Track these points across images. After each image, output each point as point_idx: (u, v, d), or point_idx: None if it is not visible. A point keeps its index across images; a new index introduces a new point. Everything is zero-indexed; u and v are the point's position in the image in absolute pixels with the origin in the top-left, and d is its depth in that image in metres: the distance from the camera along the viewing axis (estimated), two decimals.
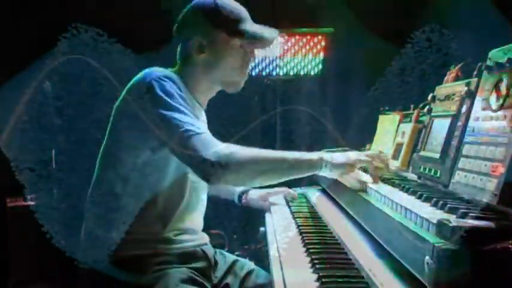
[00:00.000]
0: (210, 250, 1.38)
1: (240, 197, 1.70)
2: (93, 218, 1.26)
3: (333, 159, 1.20)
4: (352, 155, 1.25)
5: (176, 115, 1.11)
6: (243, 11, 1.32)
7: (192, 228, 1.35)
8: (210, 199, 1.44)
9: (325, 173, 1.21)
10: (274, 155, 1.18)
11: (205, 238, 1.41)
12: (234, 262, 1.44)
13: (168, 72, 1.23)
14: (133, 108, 1.16)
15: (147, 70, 1.22)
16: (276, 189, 1.78)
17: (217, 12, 1.27)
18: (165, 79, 1.16)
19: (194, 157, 1.08)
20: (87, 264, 1.21)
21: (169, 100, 1.13)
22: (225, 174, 1.11)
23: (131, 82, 1.22)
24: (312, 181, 1.98)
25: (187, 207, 1.30)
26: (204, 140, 1.10)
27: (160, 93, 1.13)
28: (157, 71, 1.20)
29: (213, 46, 1.28)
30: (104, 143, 1.27)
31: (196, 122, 1.14)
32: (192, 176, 1.27)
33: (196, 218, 1.37)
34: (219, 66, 1.31)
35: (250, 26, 1.31)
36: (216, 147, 1.10)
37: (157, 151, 1.19)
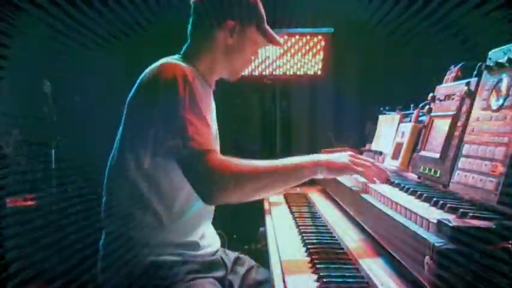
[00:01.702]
0: (226, 256, 1.39)
1: None
2: (114, 220, 1.22)
3: (328, 164, 1.16)
4: (345, 159, 1.19)
5: (184, 126, 1.07)
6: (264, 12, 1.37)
7: (210, 230, 1.37)
8: None
9: (320, 177, 1.19)
10: (272, 167, 1.13)
11: (218, 241, 1.42)
12: (236, 260, 1.45)
13: (183, 66, 1.17)
14: (146, 106, 1.13)
15: (161, 64, 1.18)
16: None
17: (253, 4, 1.32)
18: (180, 78, 1.11)
19: (193, 176, 1.08)
20: (107, 271, 1.20)
21: (181, 105, 1.09)
22: (224, 197, 1.09)
23: (146, 74, 1.18)
24: (312, 181, 1.98)
25: (205, 207, 1.27)
26: (206, 161, 1.06)
27: (175, 96, 1.09)
28: (172, 67, 1.15)
29: (242, 34, 1.30)
30: (119, 139, 1.22)
31: (207, 134, 1.10)
32: None
33: (210, 219, 1.38)
34: (240, 54, 1.32)
35: (268, 27, 1.37)
36: (219, 170, 1.07)
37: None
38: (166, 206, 1.19)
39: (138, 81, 1.20)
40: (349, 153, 1.23)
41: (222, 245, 1.45)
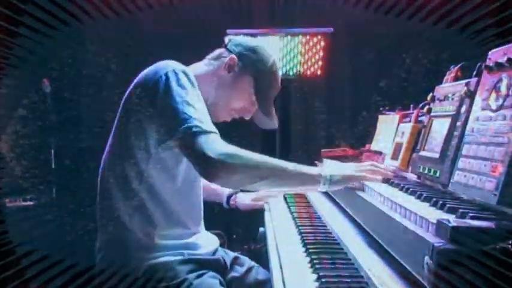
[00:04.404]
0: (226, 255, 1.41)
1: (228, 199, 1.72)
2: (106, 224, 1.23)
3: (332, 178, 1.19)
4: (349, 170, 1.24)
5: (187, 109, 1.10)
6: (277, 87, 1.41)
7: (204, 231, 1.39)
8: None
9: (322, 189, 1.21)
10: (276, 163, 1.16)
11: (217, 240, 1.43)
12: (235, 259, 1.46)
13: (183, 66, 1.22)
14: (146, 101, 1.15)
15: (161, 62, 1.20)
16: (265, 193, 1.78)
17: (269, 66, 1.36)
18: (181, 72, 1.16)
19: (197, 154, 1.08)
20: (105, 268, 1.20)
21: (183, 93, 1.12)
22: (224, 175, 1.10)
23: (143, 74, 1.21)
24: None
25: (197, 207, 1.33)
26: (210, 139, 1.09)
27: (175, 86, 1.13)
28: (173, 63, 1.19)
29: (237, 77, 1.33)
30: (111, 139, 1.24)
31: (207, 120, 1.13)
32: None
33: (201, 217, 1.39)
34: (224, 93, 1.34)
35: (268, 102, 1.39)
36: (220, 148, 1.09)
37: (167, 146, 1.17)
38: (159, 208, 1.20)
39: (136, 81, 1.21)
40: (355, 164, 1.28)
41: (222, 245, 1.45)
